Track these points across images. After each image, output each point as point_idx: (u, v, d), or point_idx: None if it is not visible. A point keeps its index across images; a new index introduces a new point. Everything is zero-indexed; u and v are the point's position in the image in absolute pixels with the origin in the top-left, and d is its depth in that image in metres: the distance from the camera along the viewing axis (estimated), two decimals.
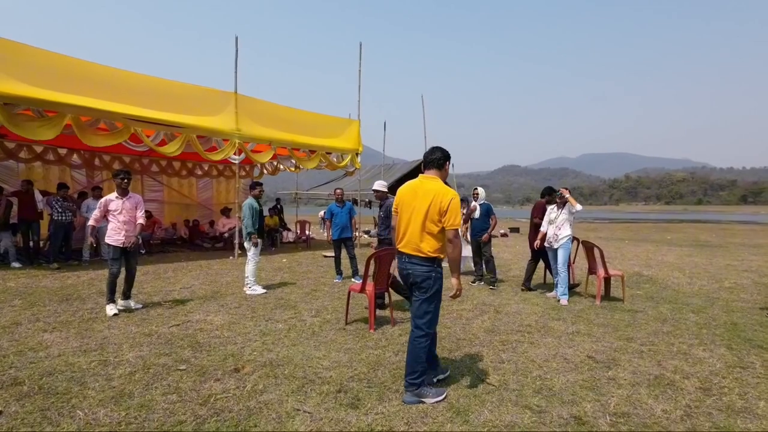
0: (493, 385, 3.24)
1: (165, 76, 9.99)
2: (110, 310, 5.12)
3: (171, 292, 6.36)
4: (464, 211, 8.44)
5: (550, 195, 6.48)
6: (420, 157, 18.32)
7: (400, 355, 3.85)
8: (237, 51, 10.07)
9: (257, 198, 6.69)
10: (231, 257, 9.99)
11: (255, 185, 6.78)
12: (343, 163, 12.37)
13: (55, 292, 6.19)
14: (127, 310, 5.31)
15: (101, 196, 9.58)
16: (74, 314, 5.03)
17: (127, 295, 5.45)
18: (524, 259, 10.65)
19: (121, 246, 5.27)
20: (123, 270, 5.35)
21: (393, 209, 3.24)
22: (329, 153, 12.04)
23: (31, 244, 8.93)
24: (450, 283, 3.12)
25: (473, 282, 7.35)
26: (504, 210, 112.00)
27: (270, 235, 12.45)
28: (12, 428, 2.55)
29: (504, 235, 18.99)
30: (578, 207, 5.97)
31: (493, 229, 7.34)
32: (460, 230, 3.31)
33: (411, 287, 3.10)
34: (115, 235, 5.24)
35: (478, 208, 7.32)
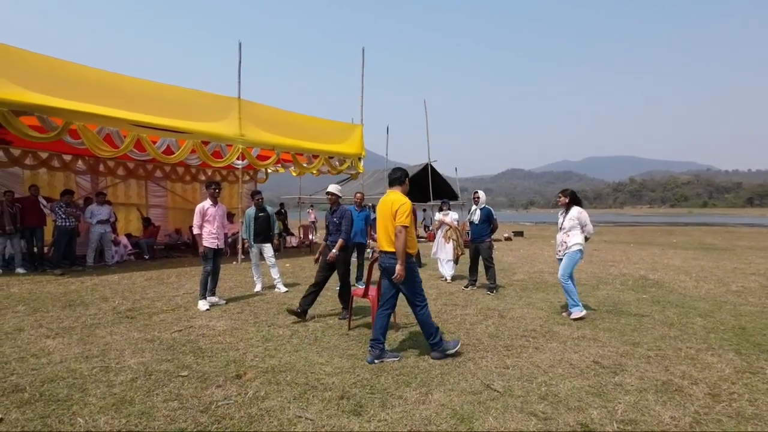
0: (498, 392, 3.20)
1: (167, 82, 10.03)
2: (203, 305, 5.66)
3: (174, 297, 6.35)
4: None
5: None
6: (424, 160, 18.33)
7: (403, 361, 3.81)
8: (240, 56, 10.12)
9: (257, 206, 7.00)
10: (234, 262, 9.98)
11: (254, 194, 7.24)
12: (345, 166, 12.33)
13: (58, 297, 6.20)
14: (214, 305, 5.83)
15: (105, 202, 9.74)
16: (77, 320, 5.03)
17: (212, 292, 6.01)
18: (528, 262, 10.61)
19: (215, 248, 5.92)
20: None
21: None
22: (332, 157, 12.05)
23: (35, 250, 8.97)
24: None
25: (466, 287, 7.23)
26: (508, 213, 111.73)
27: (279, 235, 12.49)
28: None
29: (507, 238, 18.91)
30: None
31: (492, 234, 7.23)
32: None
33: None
34: (210, 238, 5.88)
35: (478, 212, 7.14)
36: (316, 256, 5.49)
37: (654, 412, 2.90)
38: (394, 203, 3.80)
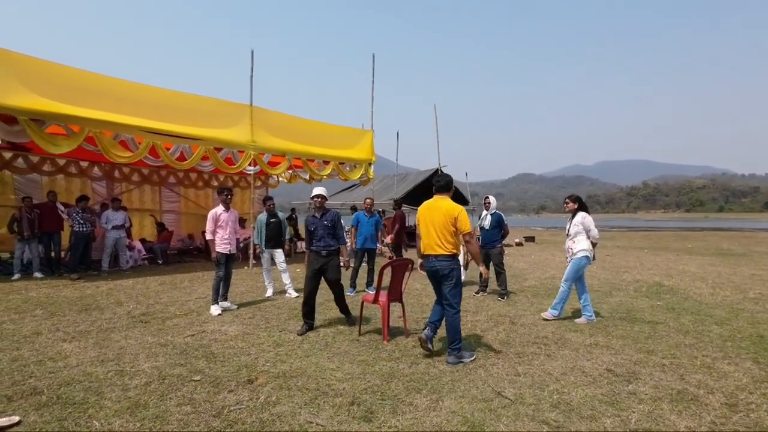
0: (509, 399, 3.18)
1: (179, 89, 10.19)
2: (215, 310, 5.72)
3: (187, 302, 6.43)
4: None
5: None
6: (434, 165, 18.33)
7: (413, 367, 3.81)
8: (253, 64, 10.25)
9: (268, 211, 7.06)
10: (246, 267, 10.07)
11: (265, 200, 7.28)
12: (357, 174, 12.41)
13: (74, 302, 6.32)
14: (226, 310, 5.88)
15: (120, 208, 9.92)
16: (93, 324, 5.12)
17: (224, 297, 6.05)
18: (539, 268, 10.52)
19: (227, 253, 5.95)
20: None
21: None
22: (342, 163, 12.11)
23: (52, 254, 9.16)
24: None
25: (476, 293, 7.20)
26: (519, 218, 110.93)
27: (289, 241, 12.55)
28: None
29: (519, 244, 18.77)
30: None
31: (503, 239, 7.19)
32: None
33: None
34: (222, 244, 5.92)
35: (489, 217, 7.10)
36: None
37: (669, 422, 2.85)
38: (450, 210, 3.94)
